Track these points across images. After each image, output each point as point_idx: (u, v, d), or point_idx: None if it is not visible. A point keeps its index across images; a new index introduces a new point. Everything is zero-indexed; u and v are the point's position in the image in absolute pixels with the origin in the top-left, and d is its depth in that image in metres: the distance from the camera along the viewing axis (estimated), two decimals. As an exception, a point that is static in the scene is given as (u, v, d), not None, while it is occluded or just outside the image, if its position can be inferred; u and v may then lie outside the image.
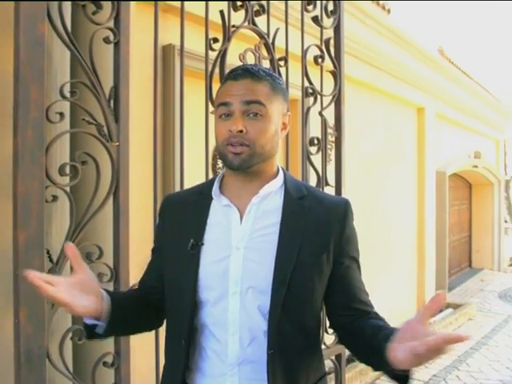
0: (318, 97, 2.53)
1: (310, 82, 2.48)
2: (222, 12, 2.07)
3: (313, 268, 1.20)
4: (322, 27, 2.52)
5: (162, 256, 1.30)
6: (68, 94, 1.58)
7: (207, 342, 1.20)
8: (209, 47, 2.06)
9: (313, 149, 2.54)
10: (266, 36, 2.24)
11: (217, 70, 2.10)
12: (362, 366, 4.29)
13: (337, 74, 2.59)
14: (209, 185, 1.31)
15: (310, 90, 2.50)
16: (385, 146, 5.97)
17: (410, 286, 6.62)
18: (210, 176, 2.12)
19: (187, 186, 2.04)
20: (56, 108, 1.53)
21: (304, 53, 2.44)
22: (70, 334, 1.60)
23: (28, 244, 1.41)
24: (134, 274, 1.73)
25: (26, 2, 1.41)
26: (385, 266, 5.79)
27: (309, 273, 1.19)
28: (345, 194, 2.60)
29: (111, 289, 1.68)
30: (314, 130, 2.53)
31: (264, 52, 2.26)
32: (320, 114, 2.55)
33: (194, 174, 2.26)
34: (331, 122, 2.62)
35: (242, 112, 1.16)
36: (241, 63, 2.15)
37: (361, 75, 5.08)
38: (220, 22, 2.11)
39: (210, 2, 2.08)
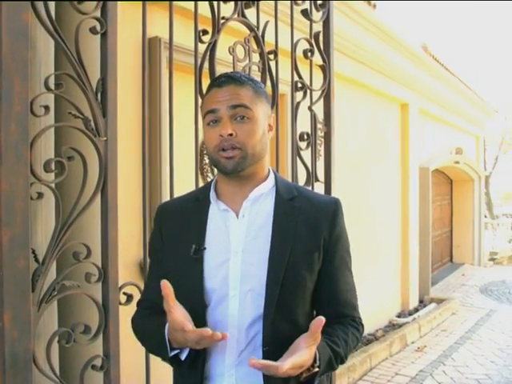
0: (308, 92, 2.49)
1: (300, 76, 2.44)
2: (211, 3, 2.01)
3: (304, 267, 1.24)
4: (311, 20, 2.48)
5: (165, 265, 1.33)
6: (53, 87, 1.51)
7: None
8: (198, 39, 2.00)
9: (303, 144, 2.50)
10: (255, 29, 2.19)
11: (206, 65, 2.05)
12: (350, 362, 4.29)
13: (326, 68, 2.55)
14: (203, 191, 1.36)
15: (300, 85, 2.46)
16: (369, 142, 5.98)
17: (394, 282, 6.66)
18: (199, 172, 2.07)
19: (175, 182, 2.00)
20: (41, 101, 1.45)
21: (294, 46, 2.40)
22: (57, 337, 1.53)
23: (12, 244, 1.34)
24: (121, 274, 1.68)
25: (9, -11, 1.34)
26: (370, 262, 5.80)
27: (301, 272, 1.24)
28: (334, 190, 2.57)
29: (99, 289, 1.63)
30: (303, 125, 2.49)
31: (254, 45, 2.21)
32: (310, 108, 2.51)
33: (181, 170, 2.21)
34: (320, 117, 2.59)
35: (230, 116, 1.21)
36: (231, 56, 2.11)
37: (346, 70, 5.06)
38: (207, 15, 2.06)
39: (198, -6, 2.02)
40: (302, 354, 1.09)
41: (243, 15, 2.15)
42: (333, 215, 1.29)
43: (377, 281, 5.97)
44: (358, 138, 5.66)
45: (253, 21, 2.20)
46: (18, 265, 1.35)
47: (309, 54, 2.48)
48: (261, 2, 2.25)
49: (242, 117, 1.21)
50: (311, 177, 2.51)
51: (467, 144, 10.27)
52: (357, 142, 5.62)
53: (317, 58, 2.53)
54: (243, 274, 1.23)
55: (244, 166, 1.22)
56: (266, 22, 2.25)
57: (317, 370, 1.14)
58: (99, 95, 1.59)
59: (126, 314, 1.71)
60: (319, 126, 2.57)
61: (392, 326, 5.95)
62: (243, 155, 1.21)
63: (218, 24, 2.03)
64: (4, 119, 1.33)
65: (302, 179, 2.46)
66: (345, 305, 1.31)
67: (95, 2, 1.57)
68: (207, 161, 3.47)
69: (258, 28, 2.21)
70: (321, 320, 1.08)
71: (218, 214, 1.29)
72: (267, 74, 2.25)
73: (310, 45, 2.49)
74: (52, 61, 1.70)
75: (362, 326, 1.35)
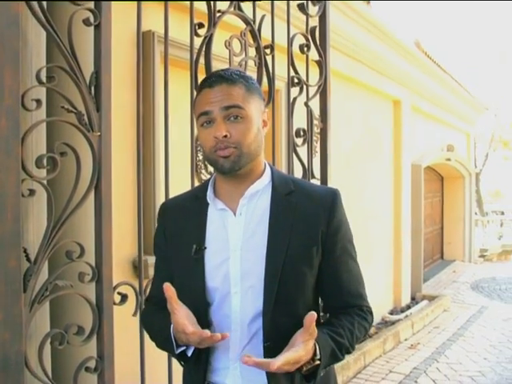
0: (304, 87, 2.45)
1: (296, 72, 2.41)
2: (207, -4, 1.97)
3: (303, 261, 1.25)
4: (307, 15, 2.45)
5: (170, 263, 1.34)
6: (45, 80, 1.45)
7: None
8: (194, 33, 1.95)
9: (299, 140, 2.47)
10: (252, 22, 2.15)
11: (201, 60, 2.01)
12: (344, 360, 4.26)
13: (322, 64, 2.52)
14: (203, 189, 1.35)
15: (296, 80, 2.42)
16: (363, 138, 5.96)
17: (387, 279, 6.66)
18: (195, 167, 2.03)
19: (170, 178, 1.96)
20: (32, 95, 1.40)
21: (290, 41, 2.36)
22: (49, 339, 1.49)
23: (3, 242, 1.30)
24: (114, 272, 1.63)
25: (-1, -23, 1.29)
26: (363, 259, 5.77)
27: (300, 266, 1.24)
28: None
29: (93, 289, 1.58)
30: (299, 121, 2.45)
31: (250, 40, 2.17)
32: (306, 104, 2.47)
33: (174, 167, 2.16)
34: (316, 113, 2.56)
35: (223, 117, 1.20)
36: (227, 52, 2.07)
37: (340, 67, 5.03)
38: (203, 9, 2.02)
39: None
40: (296, 350, 1.10)
41: (239, 9, 2.11)
42: (330, 207, 1.29)
43: (369, 278, 5.94)
44: (351, 134, 5.64)
45: (249, 15, 2.16)
46: (9, 264, 1.31)
47: (305, 48, 2.45)
48: (257, -4, 2.21)
49: (236, 116, 1.21)
50: (307, 173, 2.48)
51: (458, 141, 10.29)
52: (350, 138, 5.60)
53: (313, 54, 2.50)
54: (243, 272, 1.24)
55: (241, 165, 1.22)
56: (263, 16, 2.22)
57: (318, 362, 1.15)
58: (93, 89, 1.54)
59: (120, 314, 1.67)
60: (315, 122, 2.54)
61: (385, 323, 5.95)
62: (239, 154, 1.21)
63: (214, 17, 1.99)
64: (-6, 113, 1.28)
65: (297, 175, 2.42)
66: (350, 295, 1.31)
67: (89, -7, 1.52)
68: (201, 157, 3.42)
69: (254, 22, 2.17)
70: (312, 315, 1.09)
71: (216, 213, 1.30)
72: (263, 68, 2.22)
73: (307, 40, 2.46)
74: (44, 53, 1.65)
75: (371, 314, 1.34)
